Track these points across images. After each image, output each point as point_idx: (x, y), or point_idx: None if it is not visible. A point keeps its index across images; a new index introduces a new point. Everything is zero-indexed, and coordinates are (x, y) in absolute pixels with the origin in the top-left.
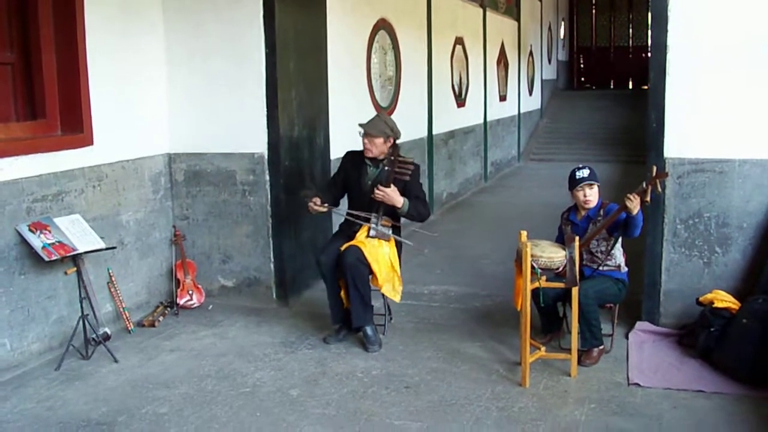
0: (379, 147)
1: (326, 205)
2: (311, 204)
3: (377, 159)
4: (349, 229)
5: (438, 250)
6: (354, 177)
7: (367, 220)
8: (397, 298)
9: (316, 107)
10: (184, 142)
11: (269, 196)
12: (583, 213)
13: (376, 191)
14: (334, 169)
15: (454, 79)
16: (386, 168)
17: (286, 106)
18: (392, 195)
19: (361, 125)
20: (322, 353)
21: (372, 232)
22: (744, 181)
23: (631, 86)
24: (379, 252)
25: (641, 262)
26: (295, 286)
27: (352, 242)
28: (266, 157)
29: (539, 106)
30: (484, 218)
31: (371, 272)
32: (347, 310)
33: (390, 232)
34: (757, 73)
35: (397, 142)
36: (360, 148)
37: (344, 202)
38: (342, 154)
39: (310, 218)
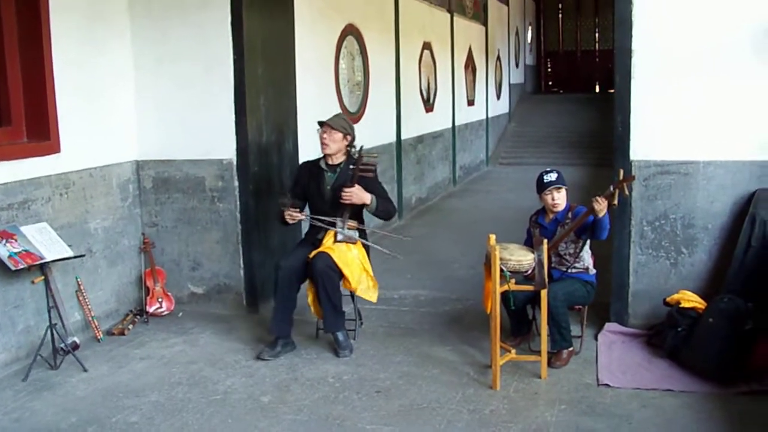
0: (337, 143)
1: (303, 213)
2: (290, 213)
3: (334, 165)
4: (313, 237)
5: (408, 254)
6: (312, 187)
7: (333, 225)
8: (374, 298)
9: (285, 113)
10: (152, 148)
11: (238, 203)
12: (551, 216)
13: (343, 193)
14: None
15: (422, 84)
16: (350, 167)
17: (254, 112)
18: (359, 194)
19: (320, 121)
20: (293, 359)
21: (339, 236)
22: (708, 182)
23: (598, 90)
24: (348, 256)
25: (609, 264)
26: (265, 293)
27: (320, 249)
28: (235, 163)
29: (507, 110)
30: (453, 222)
31: (342, 277)
32: (290, 322)
33: (357, 235)
34: (719, 76)
35: (364, 147)
36: (314, 157)
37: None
38: (308, 157)
39: (280, 224)
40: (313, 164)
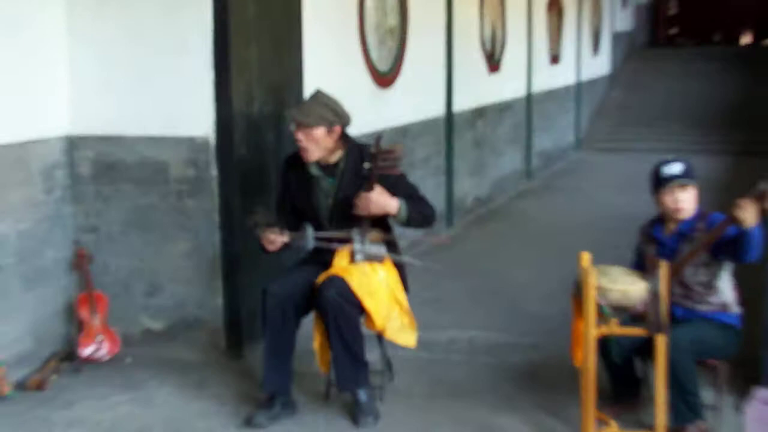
0: (320, 143)
1: (286, 232)
2: (266, 236)
3: (331, 165)
4: (318, 257)
5: (459, 279)
6: (302, 196)
7: (346, 242)
8: (410, 342)
9: (286, 71)
10: (91, 120)
11: (217, 200)
12: (673, 227)
13: (359, 201)
14: None
15: (484, 33)
16: (365, 168)
17: (242, 70)
18: (382, 200)
19: (288, 113)
20: (291, 428)
21: (359, 256)
22: None
23: (747, 41)
24: (372, 280)
25: (760, 300)
26: (255, 331)
27: (330, 271)
28: (213, 142)
29: (608, 72)
30: (526, 234)
31: (363, 312)
32: (289, 373)
33: (384, 250)
34: None
35: (400, 123)
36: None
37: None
38: None
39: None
40: (300, 165)
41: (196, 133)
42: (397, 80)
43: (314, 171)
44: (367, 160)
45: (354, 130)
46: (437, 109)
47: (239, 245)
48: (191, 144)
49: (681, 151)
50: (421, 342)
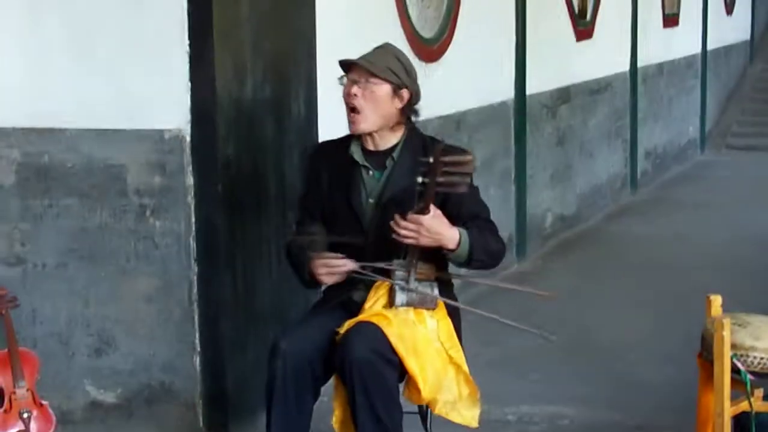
0: (380, 106)
1: (345, 259)
2: (324, 261)
3: (380, 153)
4: (342, 295)
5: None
6: (339, 193)
7: (385, 274)
8: (471, 420)
9: (292, 38)
10: (15, 106)
11: (193, 219)
12: None
13: (404, 226)
14: None
15: None
16: (420, 177)
17: (229, 36)
18: (437, 229)
19: (342, 61)
20: None
21: (401, 298)
22: None
23: None
24: (418, 333)
25: None
26: (245, 402)
27: (361, 317)
28: (188, 138)
29: (748, 37)
30: (630, 268)
31: (403, 376)
32: None
33: (436, 291)
34: None
35: (452, 110)
36: (341, 133)
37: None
38: (342, 131)
39: (279, 264)
40: (338, 150)
41: (164, 125)
42: (448, 51)
43: (361, 160)
44: (422, 169)
45: None
46: (504, 91)
47: (225, 283)
48: (158, 140)
49: None
50: (482, 421)
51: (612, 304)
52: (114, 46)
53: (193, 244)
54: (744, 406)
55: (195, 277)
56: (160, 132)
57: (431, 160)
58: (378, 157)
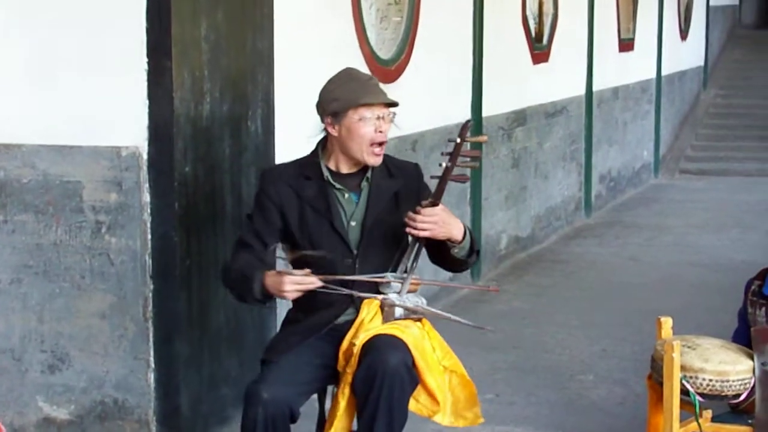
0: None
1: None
2: (291, 274)
3: (352, 175)
4: (321, 319)
5: (488, 352)
6: (317, 216)
7: (372, 289)
8: (477, 420)
9: (250, 57)
10: None
11: (149, 236)
12: None
13: (421, 219)
14: None
15: (527, 8)
16: (445, 164)
17: (187, 54)
18: (450, 219)
19: (352, 95)
20: None
21: (400, 311)
22: None
23: None
24: (426, 348)
25: None
26: (199, 420)
27: (380, 330)
28: (145, 155)
29: (702, 63)
30: (584, 290)
31: (416, 386)
32: None
33: (423, 301)
34: None
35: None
36: (302, 150)
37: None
38: (301, 151)
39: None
40: (301, 173)
41: (121, 141)
42: (405, 72)
43: (330, 180)
44: (445, 151)
45: None
46: (460, 113)
47: (181, 300)
48: (114, 157)
49: None
50: None
51: (565, 326)
52: (72, 63)
53: (148, 261)
54: (693, 427)
55: (150, 294)
56: (117, 149)
57: (458, 140)
58: (349, 180)
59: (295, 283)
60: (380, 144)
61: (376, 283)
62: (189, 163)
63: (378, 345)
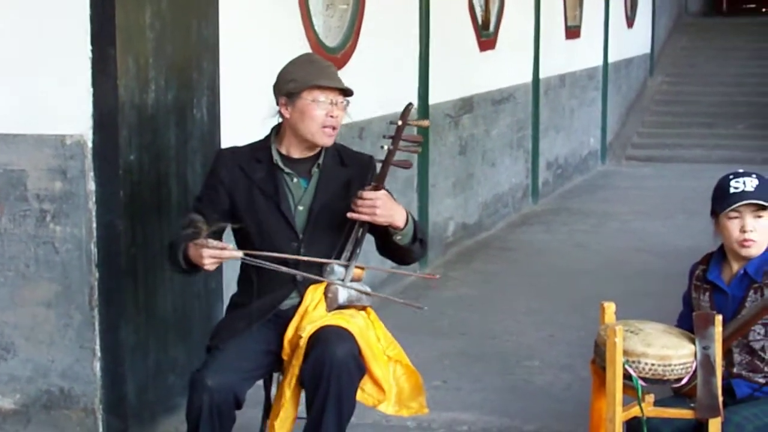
0: (339, 124)
1: (230, 247)
2: (210, 246)
3: (304, 160)
4: (265, 304)
5: (434, 338)
6: (265, 199)
7: (320, 272)
8: (422, 409)
9: (195, 45)
10: None
11: (95, 225)
12: (736, 267)
13: (361, 202)
14: None
15: None
16: (387, 147)
17: (132, 42)
18: (392, 204)
19: (308, 77)
20: None
21: (344, 296)
22: None
23: None
24: (371, 338)
25: None
26: (146, 408)
27: (326, 321)
28: (90, 143)
29: (648, 50)
30: (531, 276)
31: (363, 376)
32: None
33: (367, 289)
34: None
35: (356, 119)
36: (250, 136)
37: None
38: (247, 138)
39: (175, 271)
40: (252, 156)
41: (65, 130)
42: (351, 60)
43: (279, 164)
44: (387, 135)
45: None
46: (406, 101)
47: (126, 289)
48: (59, 145)
49: (749, 162)
50: (379, 427)
51: (512, 312)
52: (15, 50)
53: (94, 249)
54: (635, 411)
55: (96, 283)
56: (62, 137)
57: (399, 122)
58: (300, 165)
59: (211, 256)
60: (333, 128)
61: (320, 269)
62: (134, 151)
63: (325, 337)
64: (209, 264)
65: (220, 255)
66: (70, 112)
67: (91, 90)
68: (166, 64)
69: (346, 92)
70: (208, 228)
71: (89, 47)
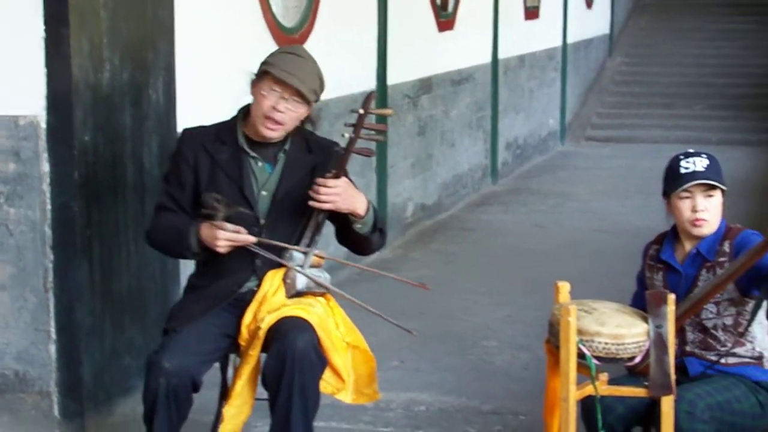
0: (293, 121)
1: (245, 231)
2: (222, 230)
3: (269, 146)
4: (223, 288)
5: (397, 318)
6: (228, 181)
7: (279, 257)
8: (375, 396)
9: (150, 25)
10: None
11: (49, 206)
12: (689, 247)
13: (322, 190)
14: None
15: None
16: (348, 135)
17: (86, 21)
18: (353, 192)
19: (273, 65)
20: None
21: (301, 282)
22: None
23: None
24: (330, 327)
25: None
26: (102, 391)
27: (286, 312)
28: (44, 124)
29: (608, 31)
30: (489, 256)
31: (324, 367)
32: None
33: (327, 276)
34: None
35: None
36: (209, 118)
37: None
38: (203, 118)
39: (145, 249)
40: (217, 137)
41: (18, 111)
42: (308, 41)
43: (245, 147)
44: (349, 123)
45: (228, 113)
46: (365, 81)
47: (82, 270)
48: (12, 126)
49: (706, 143)
50: (337, 407)
51: (470, 292)
52: None
53: (48, 231)
54: (589, 390)
55: (51, 265)
56: (15, 118)
57: (361, 111)
58: (266, 149)
59: (227, 238)
60: (275, 122)
61: (279, 254)
62: (89, 131)
63: (284, 329)
64: (223, 247)
65: (236, 238)
66: (23, 92)
67: (44, 70)
68: (121, 44)
69: (305, 97)
70: (226, 209)
71: (42, 27)
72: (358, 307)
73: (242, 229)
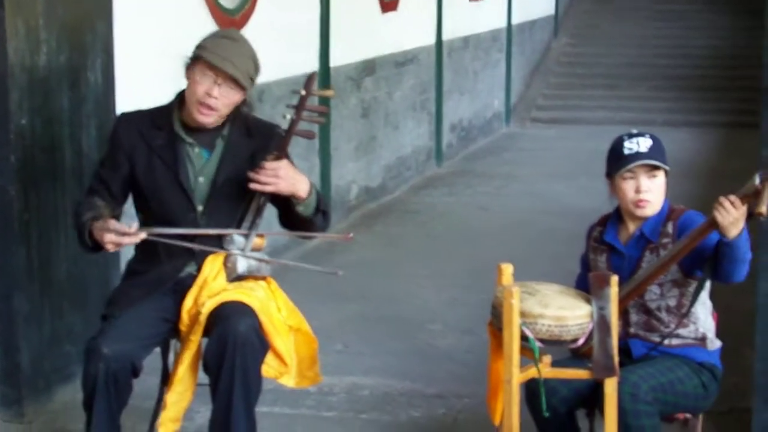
0: (228, 106)
1: (135, 226)
2: (114, 230)
3: (207, 132)
4: (165, 271)
5: (337, 302)
6: (163, 168)
7: (216, 245)
8: (318, 378)
9: (87, 6)
10: None
11: None
12: (632, 228)
13: (263, 172)
14: None
15: None
16: (289, 116)
17: (21, 3)
18: (294, 174)
19: (206, 49)
20: None
21: (243, 266)
22: None
23: None
24: (272, 310)
25: (750, 331)
26: (41, 378)
27: (226, 297)
28: None
29: (553, 12)
30: (434, 239)
31: (266, 351)
32: None
33: (268, 259)
34: None
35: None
36: (146, 102)
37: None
38: (142, 101)
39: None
40: (153, 122)
41: None
42: (250, 22)
43: (181, 134)
44: (291, 104)
45: (169, 96)
46: (307, 63)
47: (19, 256)
48: None
49: (650, 124)
50: (279, 392)
51: (414, 275)
52: None
53: None
54: (533, 372)
55: None
56: None
57: (303, 92)
58: (203, 135)
59: (111, 242)
60: (209, 108)
61: (220, 239)
62: (25, 114)
63: (225, 314)
64: (110, 248)
65: (120, 241)
66: None
67: None
68: (58, 25)
69: (238, 83)
70: (109, 213)
71: None
72: (300, 291)
73: (130, 229)
